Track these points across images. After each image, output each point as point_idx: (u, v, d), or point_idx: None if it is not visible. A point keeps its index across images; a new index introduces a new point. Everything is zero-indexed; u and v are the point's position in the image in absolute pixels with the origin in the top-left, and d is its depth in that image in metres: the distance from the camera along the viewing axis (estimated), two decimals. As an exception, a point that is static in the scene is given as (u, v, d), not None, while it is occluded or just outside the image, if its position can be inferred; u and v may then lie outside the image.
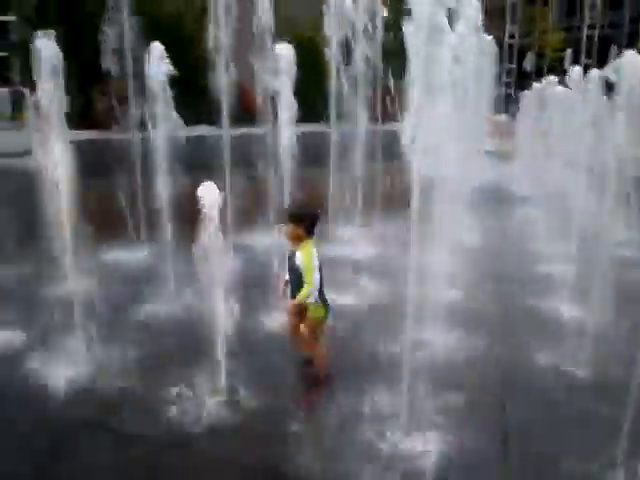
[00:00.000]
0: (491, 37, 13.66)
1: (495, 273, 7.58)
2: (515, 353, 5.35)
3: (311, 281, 4.22)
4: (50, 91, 4.81)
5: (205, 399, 4.42)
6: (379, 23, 8.90)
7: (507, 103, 26.50)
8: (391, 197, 7.65)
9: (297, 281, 4.34)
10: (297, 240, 4.30)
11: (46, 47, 4.81)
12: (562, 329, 5.64)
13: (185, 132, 6.48)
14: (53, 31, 4.95)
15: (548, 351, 5.27)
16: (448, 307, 5.41)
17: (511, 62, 39.53)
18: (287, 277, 4.51)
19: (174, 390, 4.55)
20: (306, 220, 4.26)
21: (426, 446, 3.85)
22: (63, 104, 4.90)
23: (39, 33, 4.90)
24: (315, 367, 4.68)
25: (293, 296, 4.40)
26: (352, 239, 8.10)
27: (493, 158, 14.40)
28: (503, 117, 21.44)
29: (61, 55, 4.82)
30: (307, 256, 4.22)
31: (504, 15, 41.42)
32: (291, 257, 4.35)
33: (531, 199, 10.92)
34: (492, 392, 4.68)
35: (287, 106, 6.09)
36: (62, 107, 4.88)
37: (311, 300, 4.29)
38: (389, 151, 8.61)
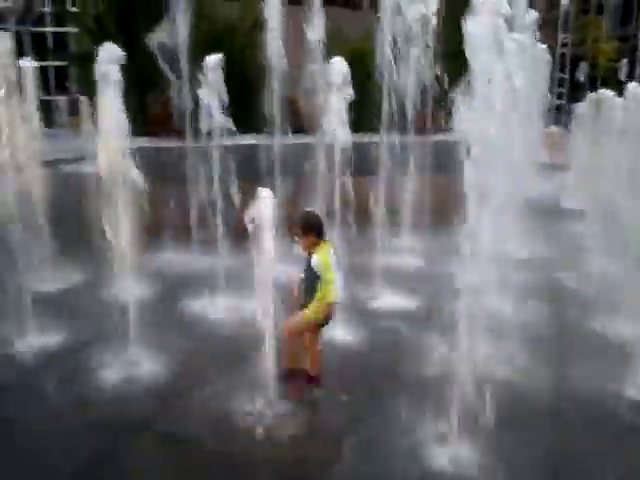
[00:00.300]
0: (545, 46, 13.41)
1: (546, 288, 7.38)
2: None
3: (332, 279, 4.39)
4: (110, 101, 4.97)
5: (253, 403, 4.44)
6: (431, 33, 8.82)
7: (559, 114, 25.86)
8: (443, 208, 7.53)
9: (311, 284, 4.49)
10: (312, 247, 4.51)
11: (108, 58, 4.97)
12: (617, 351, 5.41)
13: (237, 140, 6.60)
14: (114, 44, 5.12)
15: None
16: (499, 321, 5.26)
17: (563, 72, 38.63)
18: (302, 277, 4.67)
19: (225, 393, 4.58)
20: (313, 227, 4.47)
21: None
22: (123, 113, 5.03)
23: (103, 45, 5.08)
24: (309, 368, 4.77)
25: (305, 299, 4.54)
26: (403, 249, 8.02)
27: (547, 170, 14.06)
28: (554, 129, 20.92)
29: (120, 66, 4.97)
30: (324, 256, 4.42)
31: (556, 23, 40.50)
32: (307, 259, 4.54)
33: (585, 212, 10.59)
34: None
35: (339, 117, 6.08)
36: (122, 116, 5.02)
37: (336, 300, 4.44)
38: (440, 162, 8.52)
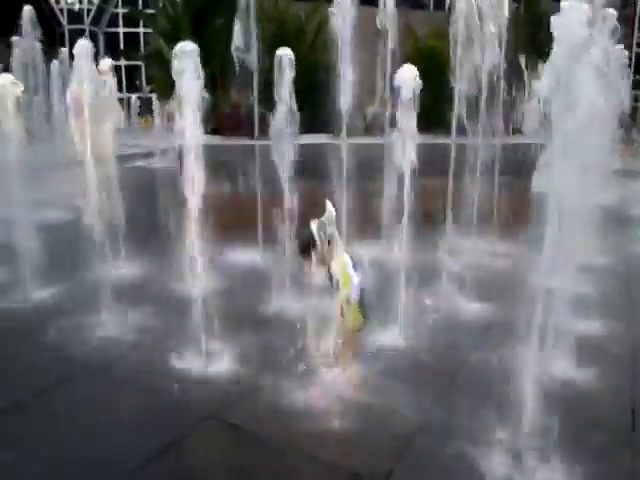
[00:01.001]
0: (622, 46, 12.80)
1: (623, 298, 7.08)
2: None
3: (347, 283, 4.30)
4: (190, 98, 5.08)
5: (327, 400, 4.45)
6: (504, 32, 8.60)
7: (634, 118, 24.71)
8: (513, 213, 7.38)
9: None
10: (324, 263, 4.42)
11: (189, 57, 5.09)
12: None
13: (303, 140, 6.64)
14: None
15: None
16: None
17: (638, 74, 36.88)
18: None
19: (298, 390, 4.60)
20: (311, 245, 4.36)
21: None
22: (200, 110, 5.14)
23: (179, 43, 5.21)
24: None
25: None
26: (468, 253, 7.86)
27: (621, 177, 13.45)
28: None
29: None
30: (340, 264, 4.37)
31: (631, 21, 38.69)
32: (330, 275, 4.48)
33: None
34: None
35: (407, 117, 5.99)
36: (199, 113, 5.13)
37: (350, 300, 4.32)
38: (513, 166, 8.29)
